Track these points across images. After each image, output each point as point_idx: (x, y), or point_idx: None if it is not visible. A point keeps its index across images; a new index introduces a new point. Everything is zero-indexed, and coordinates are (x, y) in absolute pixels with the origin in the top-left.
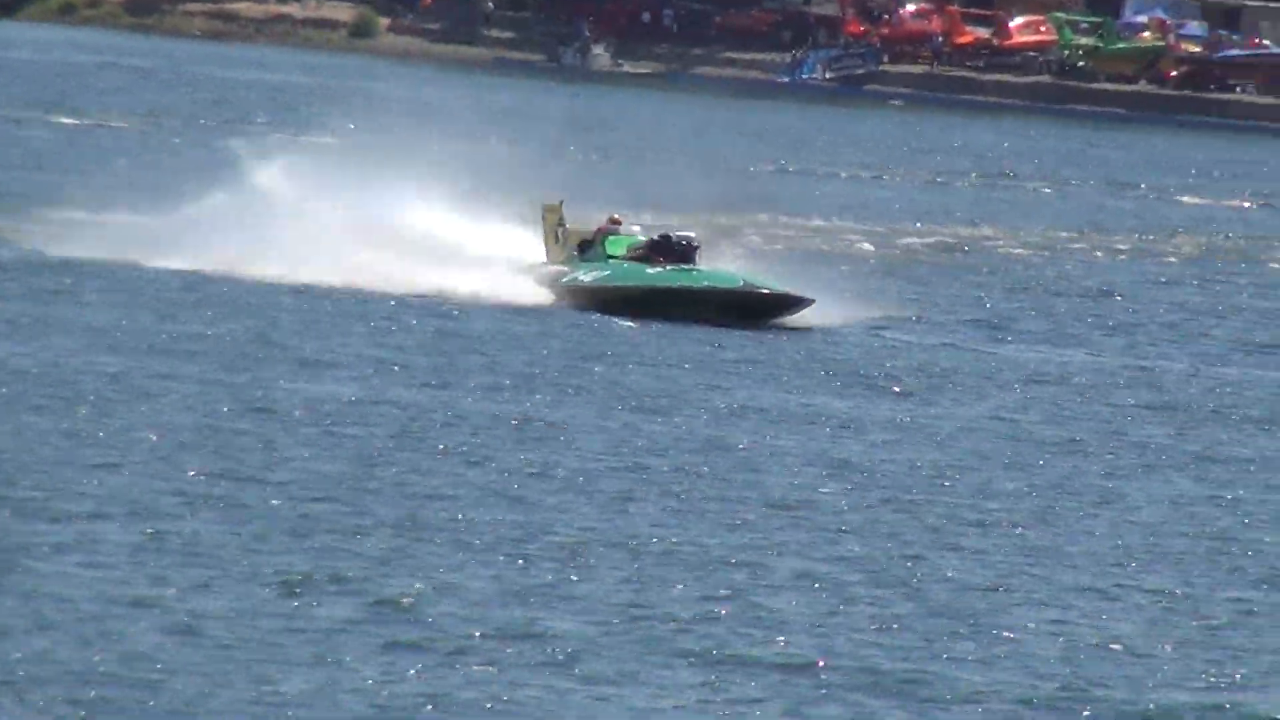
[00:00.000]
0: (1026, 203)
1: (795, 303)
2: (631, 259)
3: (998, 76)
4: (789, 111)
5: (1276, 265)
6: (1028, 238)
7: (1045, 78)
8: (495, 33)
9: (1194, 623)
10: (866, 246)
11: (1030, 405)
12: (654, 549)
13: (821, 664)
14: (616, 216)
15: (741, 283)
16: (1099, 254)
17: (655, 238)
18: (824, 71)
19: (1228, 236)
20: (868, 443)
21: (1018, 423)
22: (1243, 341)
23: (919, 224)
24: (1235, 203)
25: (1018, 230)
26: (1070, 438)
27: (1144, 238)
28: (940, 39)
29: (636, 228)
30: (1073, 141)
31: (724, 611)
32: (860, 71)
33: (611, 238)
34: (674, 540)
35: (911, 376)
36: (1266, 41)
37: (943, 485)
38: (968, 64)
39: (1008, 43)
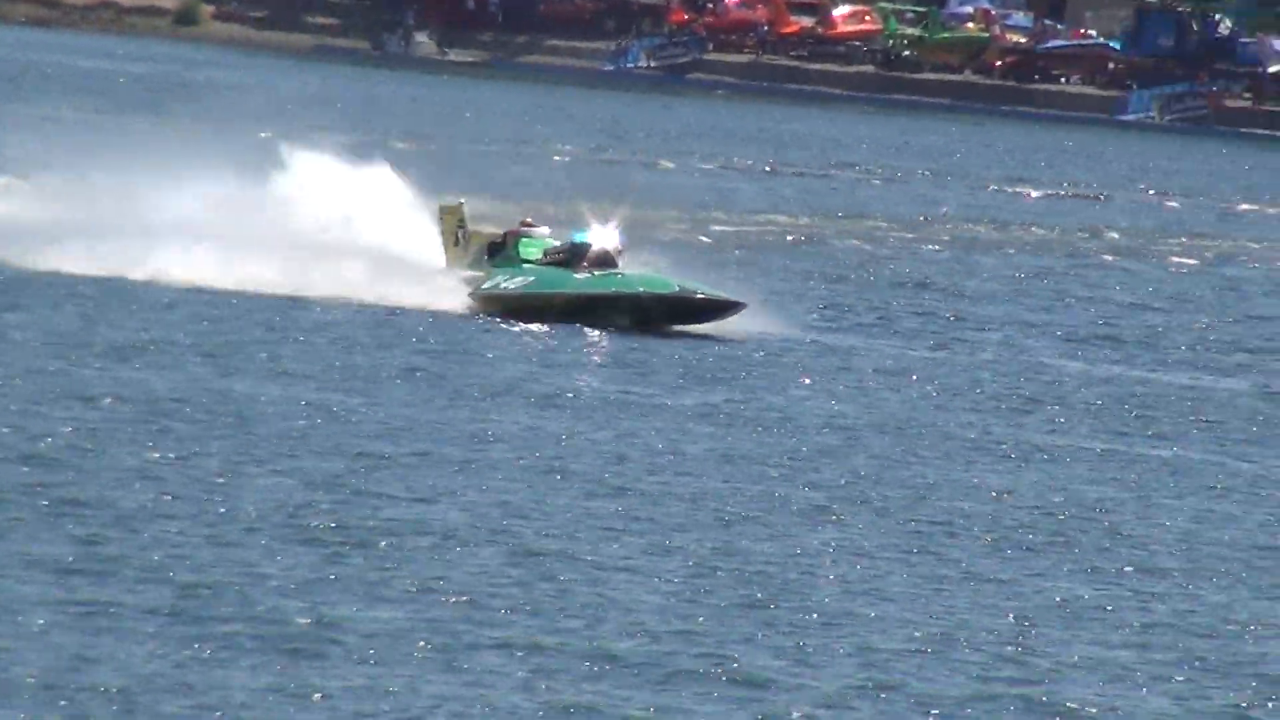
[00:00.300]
0: (855, 192)
1: (729, 306)
2: (550, 263)
3: (823, 66)
4: (615, 100)
5: (1109, 257)
6: (858, 227)
7: (870, 68)
8: (319, 19)
9: (1009, 602)
10: (704, 239)
11: (851, 394)
12: (466, 535)
13: (627, 649)
14: (528, 219)
15: (677, 287)
16: (932, 245)
17: (574, 241)
18: (648, 60)
19: (1055, 228)
20: (688, 432)
21: (843, 412)
22: (1067, 333)
23: (754, 213)
24: (1061, 192)
25: (850, 219)
26: (892, 425)
27: (971, 228)
28: (765, 28)
29: (546, 230)
30: (898, 132)
31: (520, 594)
32: (684, 60)
33: (524, 241)
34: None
35: (735, 366)
36: (1091, 32)
37: (754, 472)
38: (792, 53)
39: (833, 32)
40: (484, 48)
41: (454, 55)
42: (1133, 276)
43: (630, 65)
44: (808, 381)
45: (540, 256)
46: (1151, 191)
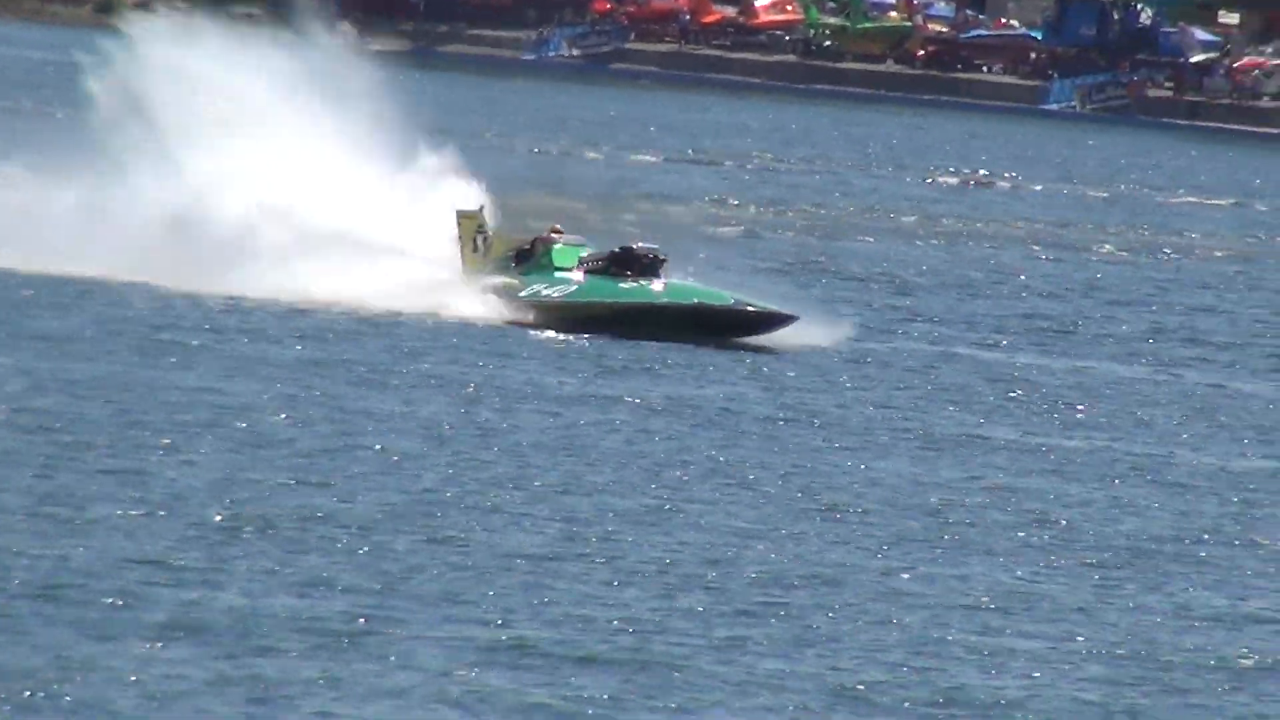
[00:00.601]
0: (780, 182)
1: (782, 320)
2: (589, 272)
3: (745, 56)
4: (537, 90)
5: (1033, 246)
6: (782, 217)
7: (792, 57)
8: (240, 8)
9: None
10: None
11: (765, 383)
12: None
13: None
14: (557, 226)
15: (731, 300)
16: (865, 236)
17: (616, 250)
18: (570, 49)
19: (974, 219)
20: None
21: (743, 395)
22: (988, 324)
23: (674, 200)
24: (982, 181)
25: (774, 208)
26: (804, 416)
27: (894, 217)
28: (687, 17)
29: (580, 237)
30: (821, 121)
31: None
32: (606, 49)
33: (557, 248)
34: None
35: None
36: (1013, 22)
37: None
38: (714, 43)
39: (755, 22)
40: (406, 37)
41: (376, 44)
42: (1053, 266)
43: (552, 54)
44: (711, 369)
45: (576, 264)
46: (1073, 181)
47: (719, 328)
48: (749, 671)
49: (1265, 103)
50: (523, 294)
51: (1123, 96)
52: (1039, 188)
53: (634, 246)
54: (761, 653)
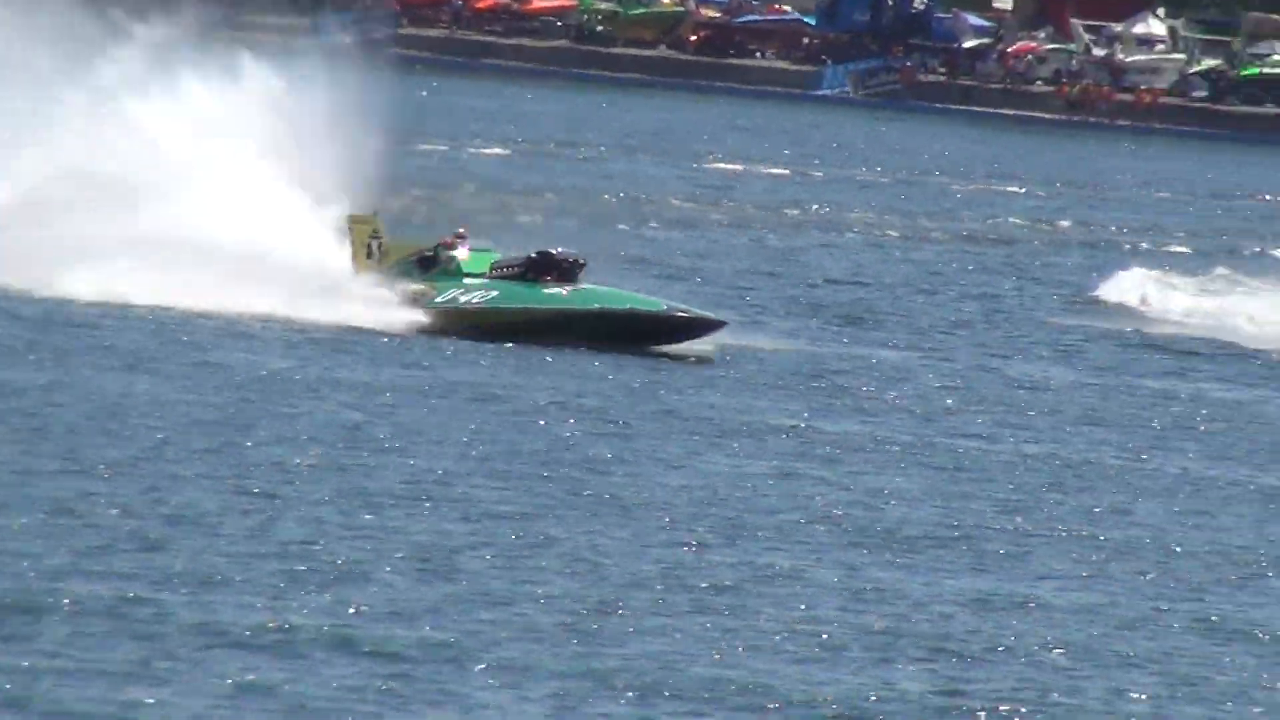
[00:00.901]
0: (542, 168)
1: (712, 325)
2: (502, 278)
3: (517, 41)
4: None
5: (811, 231)
6: (538, 202)
7: (565, 42)
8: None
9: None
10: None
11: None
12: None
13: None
14: (461, 230)
15: (665, 306)
16: (650, 222)
17: (533, 255)
18: (341, 34)
19: (749, 204)
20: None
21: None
22: (757, 307)
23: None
24: (757, 168)
25: (530, 195)
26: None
27: (675, 203)
28: (459, 3)
29: (487, 242)
30: (591, 107)
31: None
32: (378, 35)
33: (465, 254)
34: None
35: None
36: (786, 7)
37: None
38: (487, 28)
39: (528, 7)
40: (175, 27)
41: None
42: (826, 251)
43: (324, 40)
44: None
45: (487, 270)
46: (846, 167)
47: (649, 334)
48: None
49: (1038, 87)
50: (437, 300)
51: (895, 82)
52: (814, 173)
53: (552, 251)
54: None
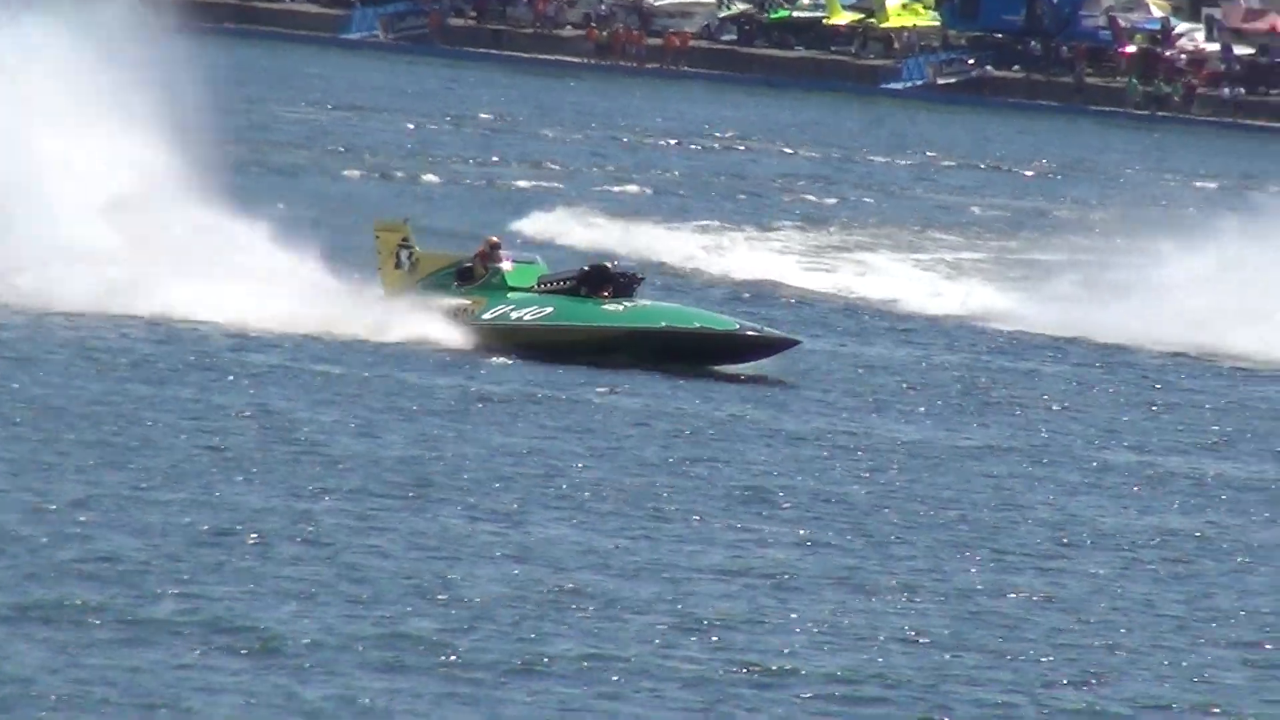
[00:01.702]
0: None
1: (785, 344)
2: (553, 291)
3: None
4: None
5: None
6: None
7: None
8: None
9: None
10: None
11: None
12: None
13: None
14: (494, 239)
15: (736, 325)
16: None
17: (587, 268)
18: None
19: (304, 147)
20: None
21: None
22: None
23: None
24: (306, 114)
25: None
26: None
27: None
28: None
29: (533, 255)
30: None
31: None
32: None
33: (511, 268)
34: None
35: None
36: None
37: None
38: None
39: None
40: None
41: None
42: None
43: None
44: None
45: (534, 284)
46: (396, 112)
47: (717, 354)
48: None
49: (567, 31)
50: (484, 316)
51: (423, 26)
52: (374, 119)
53: (608, 265)
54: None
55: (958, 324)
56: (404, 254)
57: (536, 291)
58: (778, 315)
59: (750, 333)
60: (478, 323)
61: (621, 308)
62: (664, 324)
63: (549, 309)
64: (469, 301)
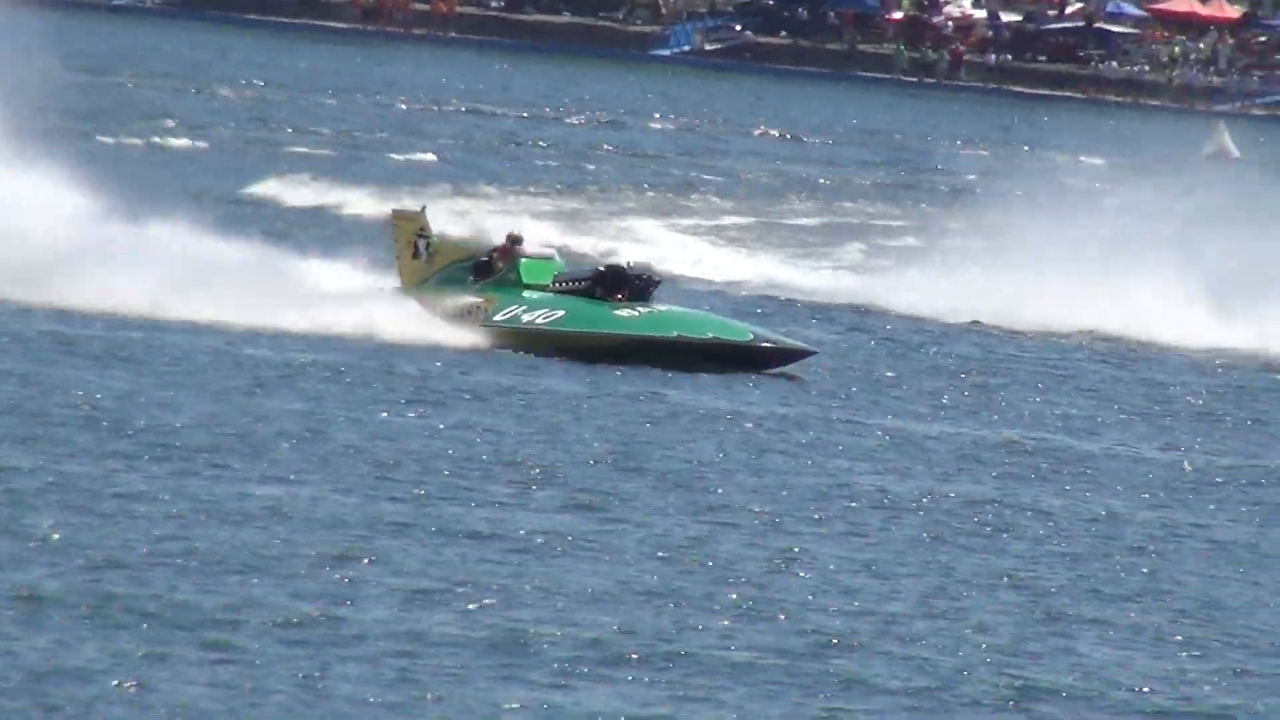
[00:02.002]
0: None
1: (800, 354)
2: (568, 292)
3: None
4: None
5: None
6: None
7: None
8: None
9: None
10: None
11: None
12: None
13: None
14: (515, 232)
15: (751, 335)
16: None
17: (602, 269)
18: None
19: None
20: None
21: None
22: None
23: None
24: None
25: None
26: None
27: None
28: None
29: (549, 250)
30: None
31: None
32: None
33: (527, 263)
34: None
35: None
36: None
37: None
38: None
39: None
40: None
41: None
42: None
43: None
44: None
45: (550, 282)
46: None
47: (730, 362)
48: None
49: None
50: (495, 317)
51: None
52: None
53: (624, 266)
54: None
55: (716, 290)
56: (421, 244)
57: (552, 291)
58: None
59: (765, 344)
60: (489, 325)
61: (636, 313)
62: (676, 333)
63: (561, 312)
64: (481, 300)
